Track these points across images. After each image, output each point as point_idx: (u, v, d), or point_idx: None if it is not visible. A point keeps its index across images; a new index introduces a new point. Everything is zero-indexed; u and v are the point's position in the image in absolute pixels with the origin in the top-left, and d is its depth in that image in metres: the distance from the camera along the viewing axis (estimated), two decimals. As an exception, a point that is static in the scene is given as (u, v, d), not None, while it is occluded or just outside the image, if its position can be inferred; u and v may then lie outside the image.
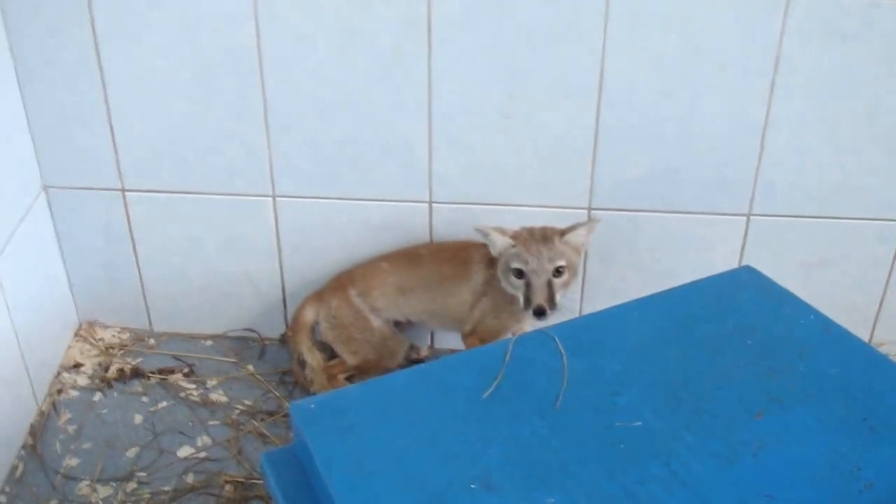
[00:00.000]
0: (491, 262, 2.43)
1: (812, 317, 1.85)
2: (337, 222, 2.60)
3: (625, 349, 1.77)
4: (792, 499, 1.48)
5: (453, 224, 2.55)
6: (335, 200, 2.56)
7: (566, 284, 2.34)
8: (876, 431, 1.59)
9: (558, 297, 2.31)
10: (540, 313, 2.28)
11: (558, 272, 2.30)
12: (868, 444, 1.57)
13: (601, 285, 2.66)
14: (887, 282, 2.66)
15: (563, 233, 2.33)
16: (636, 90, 2.36)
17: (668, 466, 1.52)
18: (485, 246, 2.40)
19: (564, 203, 2.51)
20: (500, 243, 2.34)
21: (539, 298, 2.29)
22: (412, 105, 2.40)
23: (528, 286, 2.30)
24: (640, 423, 1.61)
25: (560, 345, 1.76)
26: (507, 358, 1.74)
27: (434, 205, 2.54)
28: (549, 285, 2.29)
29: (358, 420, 1.61)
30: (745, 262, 2.51)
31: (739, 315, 1.86)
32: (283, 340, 2.79)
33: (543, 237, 2.32)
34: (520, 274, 2.31)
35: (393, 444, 1.57)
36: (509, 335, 2.39)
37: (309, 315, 2.63)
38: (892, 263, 2.62)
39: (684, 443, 1.57)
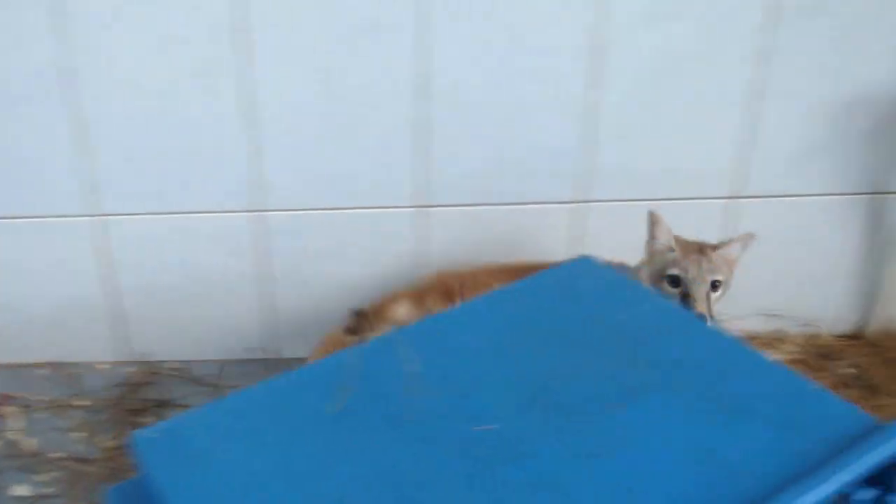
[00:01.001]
0: None
1: (654, 302, 1.83)
2: (169, 238, 2.50)
3: (473, 349, 1.72)
4: (653, 490, 1.44)
5: (288, 233, 2.47)
6: (164, 215, 2.46)
7: (718, 300, 2.26)
8: (734, 416, 1.57)
9: (714, 311, 2.23)
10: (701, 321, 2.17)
11: (714, 286, 2.23)
12: (726, 431, 1.54)
13: (444, 284, 2.61)
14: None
15: (716, 247, 2.27)
16: (462, 82, 2.32)
17: (527, 469, 1.47)
18: None
19: (399, 203, 2.46)
20: (663, 239, 2.26)
21: (700, 307, 2.19)
22: (234, 111, 2.34)
23: (685, 295, 2.21)
24: (496, 426, 1.55)
25: (409, 349, 1.70)
26: (355, 368, 1.67)
27: (265, 213, 2.46)
28: (708, 296, 2.22)
29: (204, 446, 1.53)
30: (585, 250, 2.48)
31: (583, 305, 1.83)
32: (359, 316, 2.37)
33: (700, 249, 2.26)
34: (676, 282, 2.23)
35: (242, 470, 1.49)
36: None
37: (401, 312, 2.39)
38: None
39: (543, 442, 1.52)
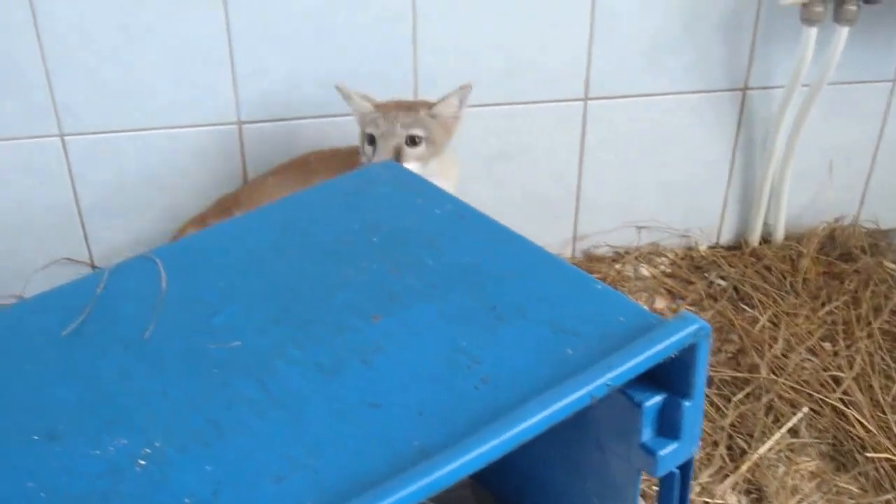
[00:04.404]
0: None
1: (449, 206, 1.68)
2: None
3: (233, 265, 1.57)
4: (399, 403, 1.30)
5: (95, 156, 2.30)
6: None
7: (422, 158, 2.11)
8: (502, 319, 1.43)
9: (412, 163, 2.08)
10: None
11: (413, 141, 2.09)
12: (492, 334, 1.40)
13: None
14: (580, 170, 2.52)
15: (431, 105, 2.13)
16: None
17: (262, 386, 1.33)
18: None
19: (212, 120, 2.30)
20: (361, 107, 2.14)
21: (381, 157, 2.06)
22: (16, 28, 2.15)
23: (376, 149, 2.08)
24: (238, 343, 1.40)
25: (161, 267, 1.54)
26: (100, 290, 1.51)
27: (66, 138, 2.29)
28: (398, 151, 2.08)
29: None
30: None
31: (368, 213, 1.68)
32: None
33: (408, 107, 2.13)
34: (371, 140, 2.10)
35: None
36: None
37: None
38: (581, 150, 2.48)
39: (285, 358, 1.37)
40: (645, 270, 2.66)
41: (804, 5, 2.34)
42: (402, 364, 1.36)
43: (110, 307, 1.49)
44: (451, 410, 1.28)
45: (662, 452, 1.42)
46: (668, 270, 2.67)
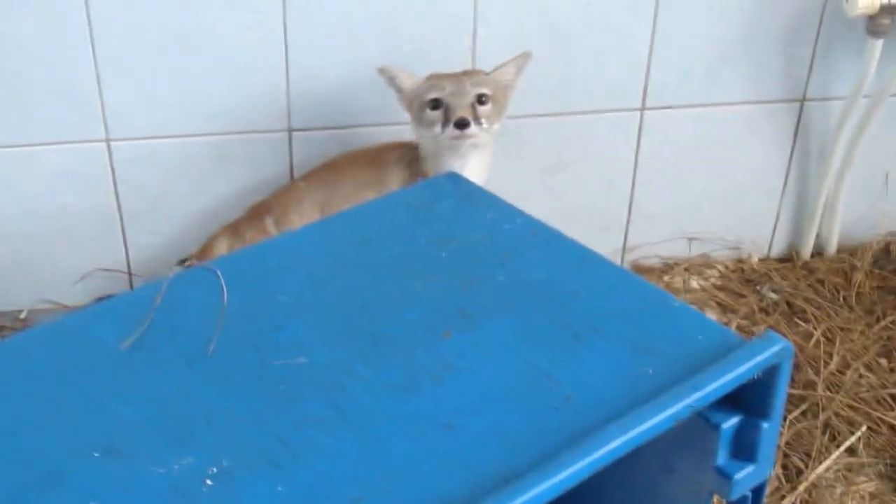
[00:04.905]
0: (409, 164, 2.17)
1: (519, 220, 1.64)
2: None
3: (297, 277, 1.53)
4: (476, 425, 1.25)
5: (139, 161, 2.26)
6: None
7: (490, 117, 2.07)
8: (579, 338, 1.39)
9: (484, 122, 2.05)
10: (463, 125, 2.02)
11: (481, 100, 2.05)
12: (569, 353, 1.36)
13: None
14: (633, 180, 2.48)
15: (488, 72, 2.11)
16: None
17: (332, 404, 1.29)
18: (404, 146, 2.17)
19: (262, 127, 2.27)
20: (409, 83, 2.10)
21: (460, 112, 2.02)
22: (71, 33, 2.11)
23: (446, 109, 2.04)
24: (304, 360, 1.36)
25: (222, 278, 1.50)
26: (158, 301, 1.47)
27: (112, 143, 2.25)
28: (472, 106, 2.04)
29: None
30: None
31: (435, 226, 1.64)
32: (184, 266, 2.34)
33: (465, 72, 2.10)
34: (437, 104, 2.05)
35: (4, 418, 1.29)
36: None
37: (221, 248, 2.29)
38: (636, 160, 2.44)
39: (355, 375, 1.33)
40: (694, 283, 2.61)
41: (871, 17, 2.31)
42: (477, 383, 1.32)
43: (170, 320, 1.45)
44: (531, 432, 1.24)
45: (738, 476, 1.37)
46: (719, 283, 2.62)
